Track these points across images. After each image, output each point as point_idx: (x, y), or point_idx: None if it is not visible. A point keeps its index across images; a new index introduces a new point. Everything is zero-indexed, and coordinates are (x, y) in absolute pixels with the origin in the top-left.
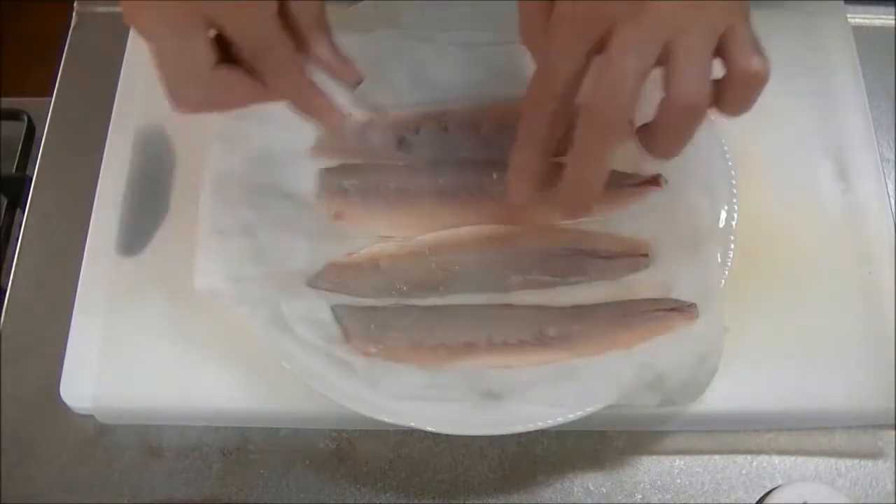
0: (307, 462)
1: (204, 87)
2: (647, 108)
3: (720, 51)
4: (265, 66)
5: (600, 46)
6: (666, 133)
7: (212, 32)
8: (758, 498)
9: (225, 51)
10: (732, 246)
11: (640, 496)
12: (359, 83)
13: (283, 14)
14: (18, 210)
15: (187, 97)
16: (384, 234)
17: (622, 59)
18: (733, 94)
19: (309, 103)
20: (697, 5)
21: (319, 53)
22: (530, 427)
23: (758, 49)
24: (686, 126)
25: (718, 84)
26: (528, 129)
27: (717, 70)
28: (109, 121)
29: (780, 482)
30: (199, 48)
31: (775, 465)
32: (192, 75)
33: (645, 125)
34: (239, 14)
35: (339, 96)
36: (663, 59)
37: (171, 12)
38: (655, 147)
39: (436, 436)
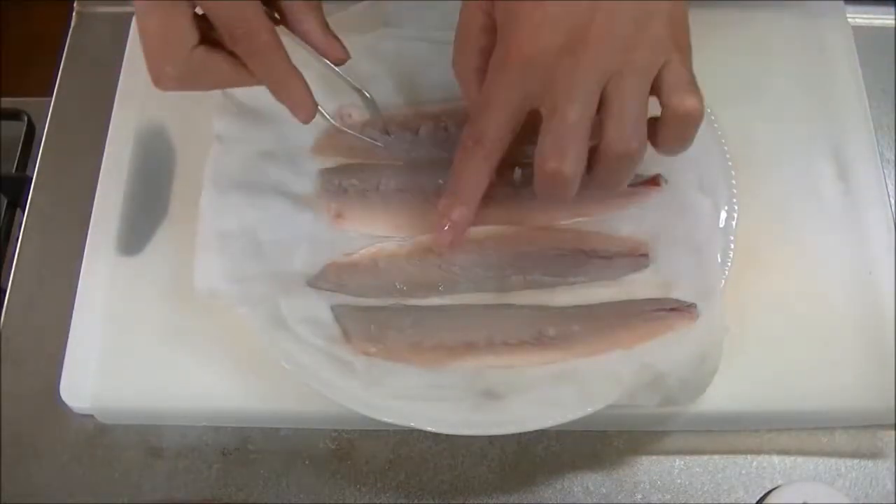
0: (307, 462)
1: (183, 66)
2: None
3: (655, 90)
4: (243, 50)
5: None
6: (605, 176)
7: (199, 10)
8: (758, 498)
9: (210, 31)
10: (732, 246)
11: (640, 496)
12: (344, 61)
13: None
14: (18, 210)
15: (166, 74)
16: (384, 234)
17: (565, 111)
18: (668, 133)
19: (286, 92)
20: (630, 46)
21: (305, 28)
22: (530, 427)
23: (692, 87)
24: (623, 169)
25: (655, 123)
26: (456, 179)
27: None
28: (109, 121)
29: (780, 482)
30: (180, 25)
31: (775, 465)
32: (172, 52)
33: (589, 160)
34: None
35: (343, 95)
36: (599, 105)
37: None
38: (598, 185)
39: (436, 436)
